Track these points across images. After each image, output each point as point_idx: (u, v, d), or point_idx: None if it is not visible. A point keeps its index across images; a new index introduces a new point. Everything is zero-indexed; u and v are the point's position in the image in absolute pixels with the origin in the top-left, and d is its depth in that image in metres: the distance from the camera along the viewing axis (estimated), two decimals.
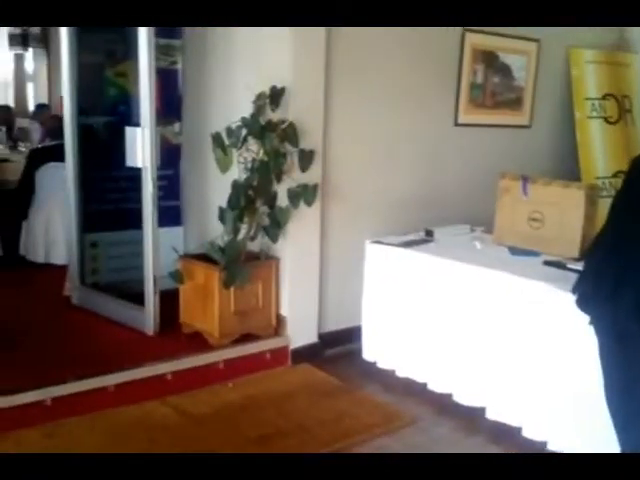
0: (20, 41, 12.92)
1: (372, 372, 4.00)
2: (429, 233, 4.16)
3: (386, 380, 3.93)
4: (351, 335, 4.22)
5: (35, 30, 12.56)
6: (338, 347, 4.35)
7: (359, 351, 4.11)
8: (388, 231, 4.21)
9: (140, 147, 3.93)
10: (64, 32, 4.43)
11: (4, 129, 7.47)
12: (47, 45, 12.22)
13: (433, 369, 3.72)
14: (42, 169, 5.62)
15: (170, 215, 4.69)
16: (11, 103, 12.33)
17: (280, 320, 4.17)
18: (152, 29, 3.82)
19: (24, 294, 4.91)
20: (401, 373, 3.90)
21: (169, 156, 4.67)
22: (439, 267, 3.68)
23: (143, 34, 3.83)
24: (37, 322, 4.33)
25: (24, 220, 5.70)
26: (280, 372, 4.08)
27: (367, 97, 4.37)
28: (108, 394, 3.50)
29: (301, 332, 4.21)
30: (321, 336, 4.33)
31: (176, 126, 4.79)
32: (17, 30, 12.93)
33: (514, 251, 3.82)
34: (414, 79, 4.59)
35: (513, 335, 3.32)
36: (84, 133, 4.60)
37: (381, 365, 4.01)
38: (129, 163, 4.02)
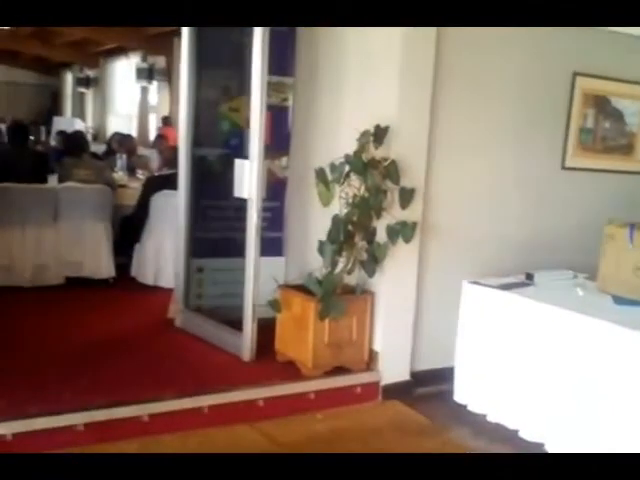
0: (146, 74, 13.74)
1: (462, 415, 3.94)
2: (529, 277, 4.09)
3: (476, 424, 3.86)
4: (444, 375, 4.17)
5: (160, 64, 13.32)
6: (430, 386, 4.31)
7: (451, 392, 4.05)
8: (486, 273, 4.15)
9: (247, 179, 4.10)
10: (185, 67, 4.70)
11: (124, 157, 7.87)
12: (170, 78, 12.87)
13: (526, 416, 3.63)
14: (156, 196, 5.92)
15: (273, 245, 4.82)
16: (134, 132, 13.11)
17: (373, 355, 4.19)
18: (266, 68, 4.01)
19: (132, 314, 5.18)
20: (492, 418, 3.82)
21: (276, 189, 4.82)
22: (538, 312, 3.61)
23: (257, 72, 4.01)
24: (141, 341, 4.56)
25: (137, 244, 6.01)
26: (369, 407, 4.09)
27: (471, 137, 4.38)
28: (202, 414, 3.63)
29: (393, 368, 4.22)
30: (413, 374, 4.32)
31: (283, 160, 4.94)
32: (144, 64, 13.77)
33: (618, 300, 3.69)
34: (521, 120, 4.57)
35: (613, 387, 3.21)
36: (197, 163, 4.83)
37: (472, 408, 3.94)
38: (236, 194, 4.18)
